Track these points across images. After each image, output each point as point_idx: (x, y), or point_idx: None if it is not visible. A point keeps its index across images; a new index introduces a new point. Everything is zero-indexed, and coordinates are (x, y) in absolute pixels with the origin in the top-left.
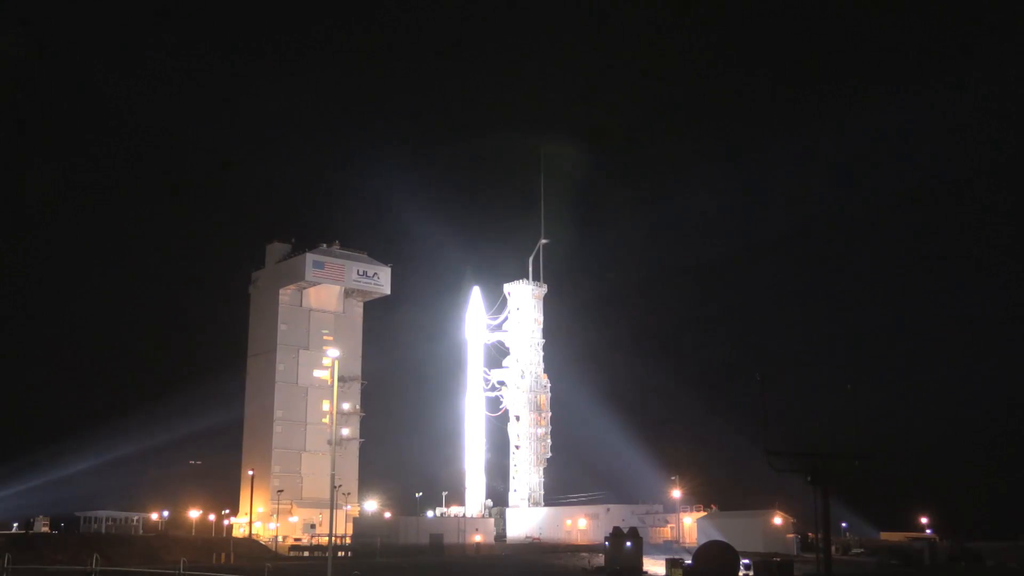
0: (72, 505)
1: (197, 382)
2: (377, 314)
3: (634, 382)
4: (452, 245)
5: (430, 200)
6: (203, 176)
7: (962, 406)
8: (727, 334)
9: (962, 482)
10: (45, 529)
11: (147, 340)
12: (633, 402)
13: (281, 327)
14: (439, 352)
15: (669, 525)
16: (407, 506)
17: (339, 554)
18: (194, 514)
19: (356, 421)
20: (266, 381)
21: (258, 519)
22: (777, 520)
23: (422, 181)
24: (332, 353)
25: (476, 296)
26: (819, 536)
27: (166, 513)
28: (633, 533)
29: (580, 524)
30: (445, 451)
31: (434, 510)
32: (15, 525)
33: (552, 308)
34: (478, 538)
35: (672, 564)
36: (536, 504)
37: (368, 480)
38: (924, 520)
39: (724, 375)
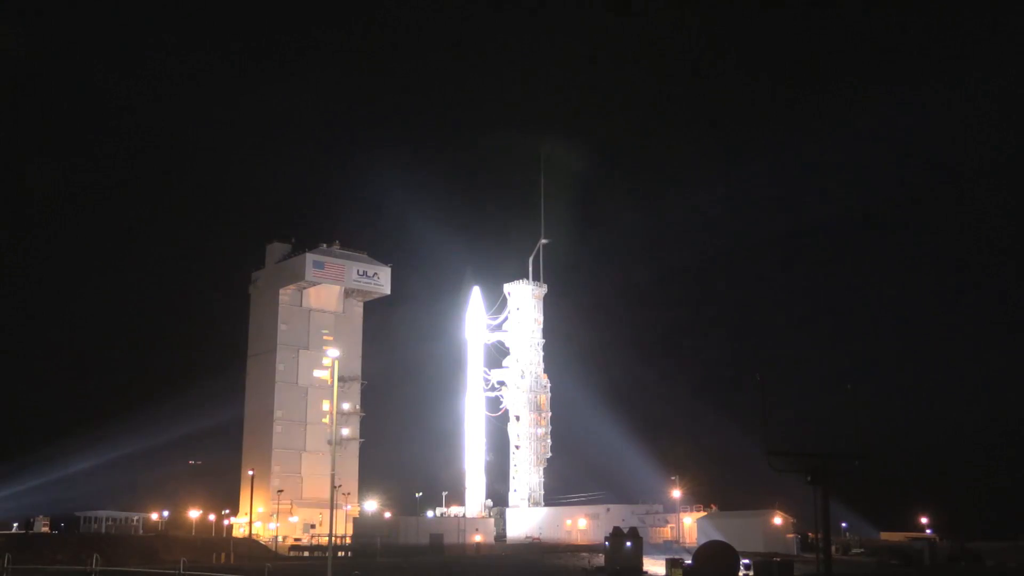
0: (72, 505)
1: (197, 382)
2: (377, 314)
3: (634, 382)
4: (452, 245)
5: (430, 200)
6: (203, 176)
7: (962, 406)
8: (727, 334)
9: (962, 482)
10: (45, 529)
11: (147, 340)
12: (633, 402)
13: (281, 327)
14: (439, 352)
15: (669, 525)
16: (407, 506)
17: (339, 554)
18: (194, 514)
19: (356, 421)
20: (266, 381)
21: (258, 519)
22: (777, 520)
23: (422, 181)
24: (332, 353)
25: (476, 296)
26: (819, 536)
27: (166, 513)
28: (633, 533)
29: (580, 524)
30: (445, 451)
31: (434, 510)
32: (15, 525)
33: (552, 308)
34: (478, 538)
35: (672, 564)
36: (536, 504)
37: (368, 480)
38: (924, 520)
39: (724, 375)
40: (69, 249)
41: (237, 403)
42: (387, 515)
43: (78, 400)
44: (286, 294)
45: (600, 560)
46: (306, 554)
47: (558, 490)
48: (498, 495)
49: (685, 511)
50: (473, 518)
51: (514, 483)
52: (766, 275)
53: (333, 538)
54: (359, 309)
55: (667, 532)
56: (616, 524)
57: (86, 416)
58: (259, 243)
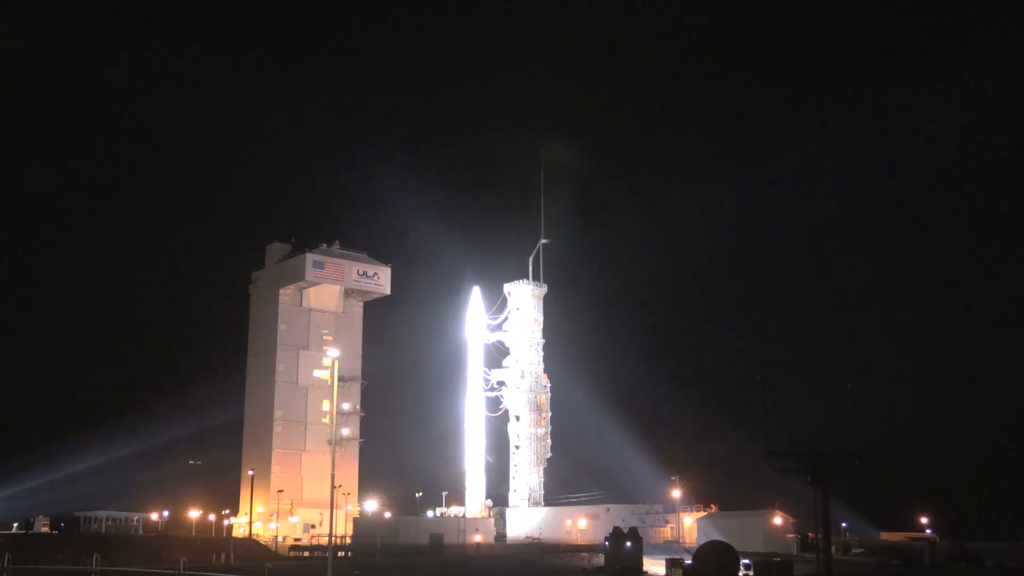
0: (72, 505)
1: (197, 382)
2: (377, 314)
3: (634, 382)
4: (452, 245)
5: (430, 200)
6: (203, 176)
7: (962, 406)
8: (727, 334)
9: (962, 482)
10: (45, 529)
11: (147, 340)
12: (633, 402)
13: (281, 327)
14: (439, 352)
15: (669, 525)
16: (407, 506)
17: (339, 554)
18: (194, 514)
19: (356, 421)
20: (266, 381)
21: (258, 519)
22: (777, 520)
23: (422, 181)
24: (332, 353)
25: (476, 296)
26: (819, 536)
27: (166, 513)
28: (633, 533)
29: (580, 524)
30: (445, 451)
31: (434, 510)
32: (15, 525)
33: (552, 308)
34: (478, 538)
35: (672, 564)
36: (536, 504)
37: (368, 480)
38: (924, 520)
39: (724, 375)
40: (69, 249)
41: (237, 403)
42: (387, 515)
43: (78, 400)
44: (286, 294)
45: (600, 560)
46: (306, 554)
47: (558, 490)
48: (498, 495)
49: (685, 511)
50: (473, 518)
51: (514, 483)
52: (766, 275)
53: (333, 538)
54: (359, 309)
55: (667, 532)
56: (616, 524)
57: (86, 416)
58: (259, 243)
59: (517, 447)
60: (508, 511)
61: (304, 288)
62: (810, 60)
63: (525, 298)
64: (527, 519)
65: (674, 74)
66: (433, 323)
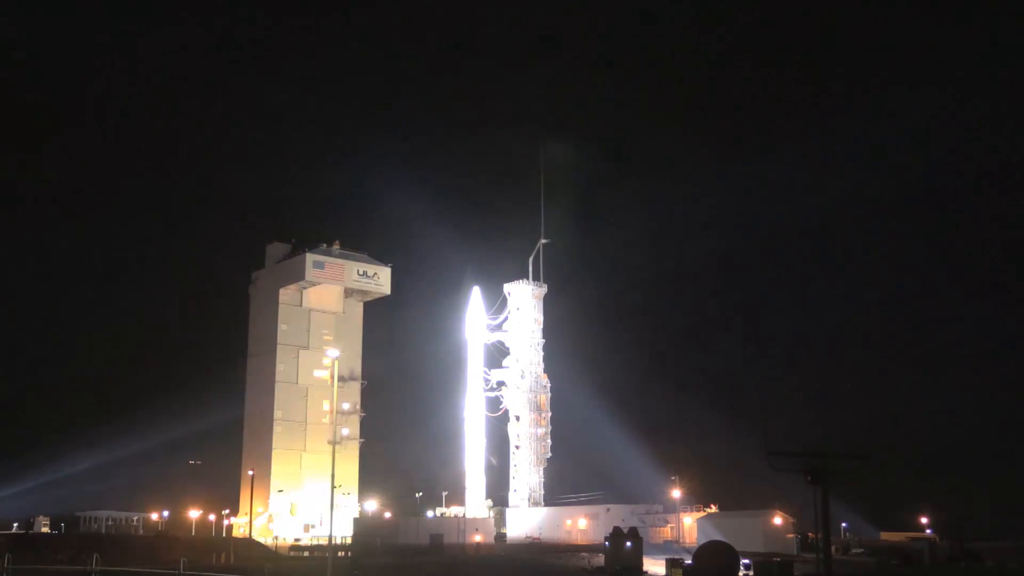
0: (72, 505)
1: (197, 382)
2: (377, 314)
3: (634, 382)
4: (452, 245)
5: (430, 200)
6: (203, 176)
7: (962, 406)
8: (727, 334)
9: (962, 482)
10: (45, 529)
11: (147, 340)
12: (633, 402)
13: (281, 327)
14: (439, 352)
15: (669, 525)
16: (407, 506)
17: (339, 554)
18: (194, 514)
19: (356, 421)
20: (266, 381)
21: (258, 519)
22: (777, 520)
23: (422, 181)
24: (332, 353)
25: (476, 296)
26: (819, 536)
27: (166, 513)
28: (633, 533)
29: (580, 524)
30: (445, 451)
31: (434, 510)
32: (15, 525)
33: (552, 308)
34: (478, 538)
35: (672, 564)
36: (536, 504)
37: (368, 480)
38: (924, 520)
39: (724, 375)
40: (69, 249)
41: (237, 403)
42: (387, 515)
43: (78, 400)
44: (286, 294)
45: (600, 560)
46: (306, 554)
47: (558, 490)
48: (498, 495)
49: (685, 511)
50: (473, 518)
51: (514, 483)
52: (766, 275)
53: (333, 538)
54: (359, 309)
55: (667, 532)
56: (616, 524)
57: (86, 416)
58: (259, 243)
59: (517, 447)
60: (508, 511)
61: (304, 288)
62: (812, 60)
63: (525, 298)
64: (527, 519)
65: (674, 72)
66: (433, 323)
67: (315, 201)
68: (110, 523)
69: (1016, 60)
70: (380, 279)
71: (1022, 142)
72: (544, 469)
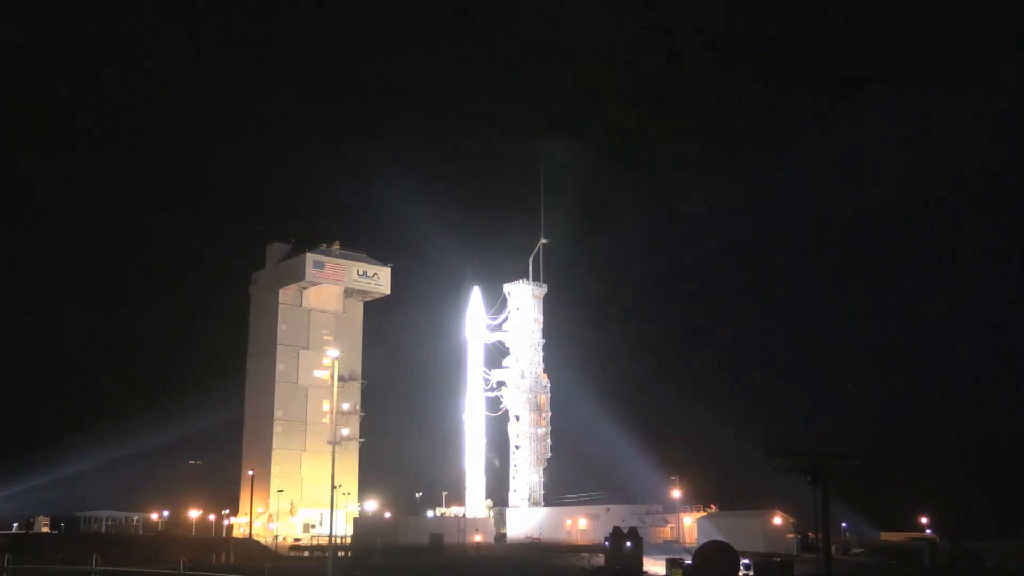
0: (72, 505)
1: (197, 382)
2: (377, 314)
3: (634, 382)
4: (452, 245)
5: (430, 200)
6: (203, 176)
7: (962, 406)
8: (727, 333)
9: (962, 482)
10: (45, 529)
11: (147, 340)
12: (633, 402)
13: (281, 327)
14: (439, 352)
15: (669, 525)
16: (407, 506)
17: (339, 554)
18: (194, 514)
19: (356, 421)
20: (266, 381)
21: (258, 519)
22: (777, 520)
23: (423, 181)
24: (332, 353)
25: (476, 296)
26: (819, 536)
27: (166, 513)
28: (633, 533)
29: (580, 524)
30: (445, 451)
31: (434, 510)
32: (15, 525)
33: (552, 308)
34: (478, 538)
35: (672, 564)
36: (536, 504)
37: (368, 480)
38: (924, 520)
39: (724, 374)
40: (68, 249)
41: (237, 403)
42: (387, 515)
43: (78, 400)
44: (286, 294)
45: (600, 560)
46: (306, 554)
47: (558, 490)
48: (498, 495)
49: (685, 511)
50: (473, 518)
51: (514, 483)
52: (766, 274)
53: (333, 538)
54: (359, 309)
55: (667, 532)
56: (616, 524)
57: (86, 416)
58: (259, 243)
59: (517, 447)
60: (508, 511)
61: (304, 288)
62: (812, 60)
63: (525, 298)
64: (527, 519)
65: (675, 73)
66: (433, 323)
67: (315, 201)
68: (110, 523)
69: (1016, 60)
70: (380, 279)
71: (1018, 145)
72: (544, 469)
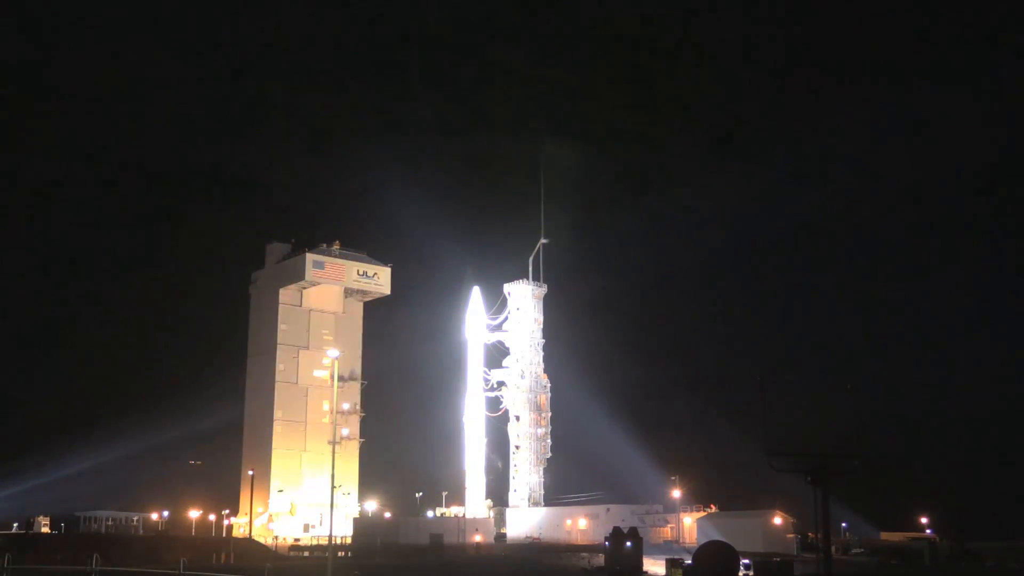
0: (72, 505)
1: (197, 382)
2: (377, 314)
3: (634, 382)
4: (452, 245)
5: (430, 200)
6: (203, 176)
7: (962, 406)
8: (727, 333)
9: (962, 482)
10: (45, 529)
11: (147, 340)
12: (633, 402)
13: (281, 327)
14: (439, 352)
15: (669, 525)
16: (407, 506)
17: (339, 554)
18: (194, 514)
19: (356, 421)
20: (266, 381)
21: (258, 519)
22: (777, 520)
23: (422, 181)
24: (332, 353)
25: (476, 296)
26: (819, 536)
27: (166, 513)
28: (633, 533)
29: (580, 524)
30: (445, 451)
31: (434, 510)
32: (15, 525)
33: (552, 308)
34: (478, 538)
35: (672, 564)
36: (536, 504)
37: (368, 480)
38: (924, 520)
39: (724, 374)
40: (68, 249)
41: (237, 403)
42: (387, 515)
43: (78, 400)
44: (286, 294)
45: (600, 560)
46: (306, 554)
47: (558, 490)
48: (498, 495)
49: (685, 511)
50: (473, 518)
51: (514, 483)
52: (766, 274)
53: (333, 538)
54: (359, 309)
55: (667, 532)
56: (616, 524)
57: (86, 416)
58: (259, 243)
59: (517, 447)
60: (508, 511)
61: (304, 288)
62: (812, 60)
63: (525, 298)
64: (527, 519)
65: (675, 73)
66: (433, 323)
67: (315, 201)
68: (110, 523)
69: (1016, 60)
70: (380, 279)
71: (1019, 141)
72: (544, 469)
